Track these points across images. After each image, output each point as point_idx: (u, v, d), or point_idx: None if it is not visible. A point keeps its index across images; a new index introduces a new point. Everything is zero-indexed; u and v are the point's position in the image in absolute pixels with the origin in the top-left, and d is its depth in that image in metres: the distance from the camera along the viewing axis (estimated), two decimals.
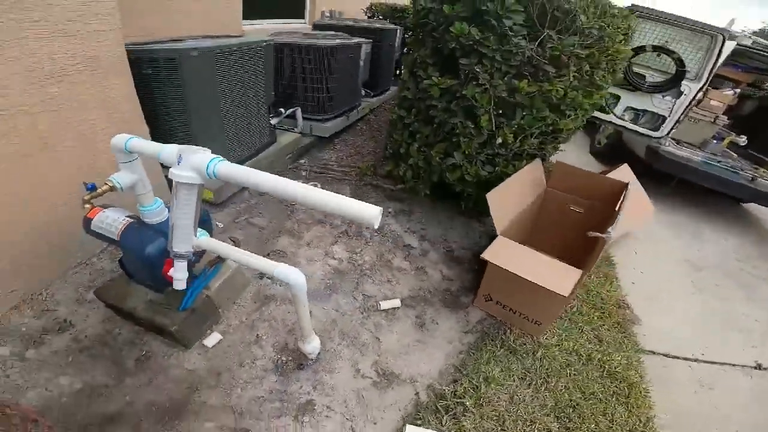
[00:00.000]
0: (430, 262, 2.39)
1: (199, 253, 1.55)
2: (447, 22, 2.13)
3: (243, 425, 1.41)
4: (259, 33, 3.78)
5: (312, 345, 1.59)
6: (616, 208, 2.08)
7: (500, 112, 2.25)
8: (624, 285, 2.53)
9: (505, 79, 2.10)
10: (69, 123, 1.83)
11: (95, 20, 1.82)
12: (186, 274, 1.35)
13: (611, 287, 2.43)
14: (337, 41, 3.37)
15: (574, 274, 1.75)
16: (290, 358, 1.66)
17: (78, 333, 1.64)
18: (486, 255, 1.84)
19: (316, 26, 4.75)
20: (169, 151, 1.18)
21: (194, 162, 1.09)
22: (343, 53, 3.42)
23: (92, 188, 1.36)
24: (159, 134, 2.46)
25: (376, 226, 0.96)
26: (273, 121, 3.22)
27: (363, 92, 4.38)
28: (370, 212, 0.93)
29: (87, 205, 1.35)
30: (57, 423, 1.30)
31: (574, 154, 4.26)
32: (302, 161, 3.38)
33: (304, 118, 3.52)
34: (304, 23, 5.28)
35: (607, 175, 2.54)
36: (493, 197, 2.03)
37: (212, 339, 1.70)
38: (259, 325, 1.80)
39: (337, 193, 0.99)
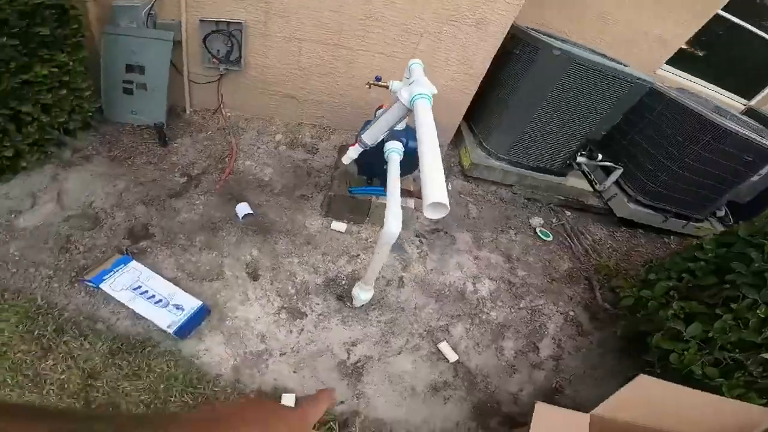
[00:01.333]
0: None
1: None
2: None
3: None
4: (662, 80, 3.21)
5: (366, 295, 1.63)
6: None
7: None
8: None
9: None
10: (435, 51, 2.39)
11: None
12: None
13: None
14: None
15: None
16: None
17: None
18: None
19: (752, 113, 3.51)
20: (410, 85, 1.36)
21: (408, 93, 1.23)
22: (740, 148, 2.42)
23: (378, 79, 1.74)
24: None
25: None
26: (579, 158, 2.87)
27: (719, 211, 3.11)
28: None
29: (366, 85, 1.78)
30: None
31: None
32: (567, 214, 2.90)
33: (615, 183, 2.94)
34: (745, 103, 3.98)
35: None
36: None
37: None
38: None
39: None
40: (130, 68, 2.31)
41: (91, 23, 2.19)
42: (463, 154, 2.95)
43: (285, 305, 1.72)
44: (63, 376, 1.32)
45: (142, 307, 1.50)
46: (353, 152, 1.71)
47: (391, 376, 1.61)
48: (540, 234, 2.57)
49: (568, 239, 2.62)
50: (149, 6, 2.21)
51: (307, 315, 1.70)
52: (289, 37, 2.36)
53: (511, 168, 2.81)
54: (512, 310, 2.01)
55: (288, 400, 1.44)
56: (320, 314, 1.71)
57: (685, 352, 1.41)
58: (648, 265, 2.04)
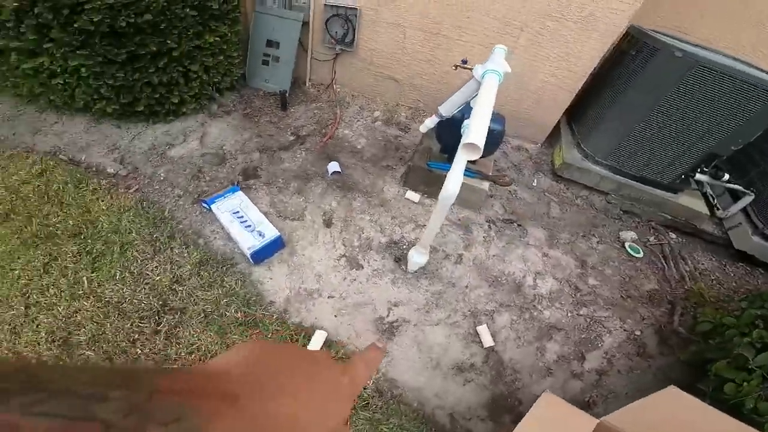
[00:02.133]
0: None
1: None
2: None
3: None
4: None
5: (420, 258, 1.76)
6: None
7: None
8: None
9: None
10: (536, 46, 2.37)
11: None
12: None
13: None
14: None
15: None
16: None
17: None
18: None
19: None
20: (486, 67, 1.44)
21: (482, 68, 1.34)
22: None
23: (464, 62, 1.84)
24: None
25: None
26: (700, 176, 2.51)
27: None
28: None
29: (453, 67, 1.89)
30: None
31: None
32: (672, 236, 2.56)
33: (742, 210, 2.50)
34: None
35: None
36: None
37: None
38: None
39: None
40: (269, 43, 2.81)
41: (246, 2, 2.71)
42: (557, 152, 2.83)
43: (346, 254, 1.94)
44: (157, 278, 1.71)
45: (235, 229, 1.87)
46: (430, 122, 1.86)
47: (422, 344, 1.68)
48: (629, 249, 2.35)
49: (663, 260, 2.34)
50: None
51: (363, 267, 1.90)
52: (395, 24, 2.58)
53: (610, 174, 2.59)
54: (569, 315, 1.92)
55: (319, 336, 1.60)
56: (375, 270, 1.90)
57: (746, 383, 1.23)
58: (745, 296, 1.74)
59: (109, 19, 1.87)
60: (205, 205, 1.99)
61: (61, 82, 2.15)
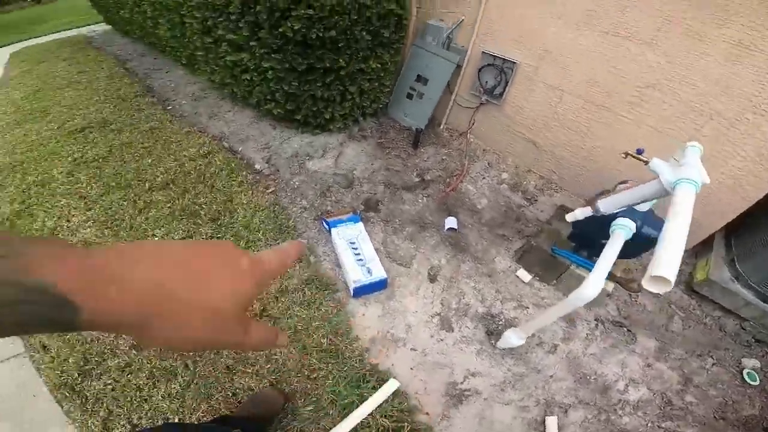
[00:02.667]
0: None
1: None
2: None
3: None
4: None
5: (516, 341, 1.64)
6: None
7: None
8: None
9: None
10: (722, 139, 2.02)
11: None
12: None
13: None
14: None
15: None
16: None
17: None
18: None
19: None
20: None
21: (673, 174, 1.15)
22: None
23: (640, 152, 1.65)
24: None
25: None
26: (568, 217, 1.98)
27: None
28: None
29: (622, 154, 1.69)
30: None
31: None
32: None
33: None
34: None
35: None
36: None
37: None
38: None
39: None
40: (418, 78, 2.89)
41: (408, 35, 2.83)
42: (701, 265, 2.38)
43: (441, 314, 1.88)
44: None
45: (347, 258, 1.93)
46: (581, 213, 1.69)
47: (485, 419, 1.58)
48: (746, 376, 1.91)
49: None
50: (450, 30, 2.67)
51: (453, 331, 1.82)
52: (553, 86, 2.43)
53: (759, 302, 2.11)
54: (649, 425, 1.63)
55: (391, 384, 1.59)
56: (464, 336, 1.81)
57: None
58: None
59: (305, 29, 2.02)
60: (325, 224, 2.10)
61: (248, 78, 2.42)
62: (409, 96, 2.95)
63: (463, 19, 2.64)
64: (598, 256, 1.49)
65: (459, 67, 2.73)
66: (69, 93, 3.48)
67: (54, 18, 8.21)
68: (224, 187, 2.26)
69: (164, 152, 2.56)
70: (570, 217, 1.76)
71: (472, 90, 2.79)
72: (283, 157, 2.50)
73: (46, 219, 2.16)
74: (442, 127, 3.02)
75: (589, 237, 1.87)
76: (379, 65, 2.50)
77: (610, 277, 1.96)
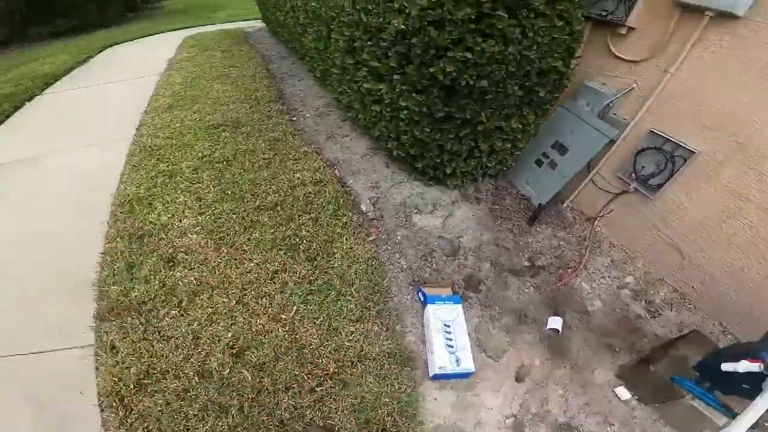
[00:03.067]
0: None
1: None
2: None
3: None
4: None
5: None
6: None
7: None
8: None
9: None
10: None
11: None
12: None
13: None
14: None
15: None
16: None
17: None
18: None
19: None
20: None
21: None
22: None
23: None
24: None
25: None
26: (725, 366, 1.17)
27: None
28: None
29: None
30: None
31: None
32: None
33: None
34: None
35: None
36: None
37: None
38: None
39: None
40: (554, 144, 2.53)
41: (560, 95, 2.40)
42: None
43: (517, 416, 1.66)
44: (348, 344, 1.74)
45: (437, 341, 1.75)
46: (742, 366, 1.26)
47: None
48: None
49: None
50: (614, 98, 2.26)
51: None
52: (736, 192, 1.91)
53: None
54: None
55: None
56: None
57: None
58: None
59: (457, 73, 1.76)
60: (421, 295, 1.94)
61: (378, 110, 2.25)
62: (539, 162, 2.61)
63: (633, 88, 2.22)
64: (724, 393, 1.29)
65: (612, 142, 2.31)
66: (217, 86, 3.83)
67: (231, 7, 9.25)
68: (328, 225, 2.22)
69: (280, 168, 2.62)
70: (728, 367, 1.33)
71: (620, 173, 2.35)
72: (390, 203, 2.39)
73: (161, 213, 2.32)
74: (565, 205, 2.64)
75: (732, 381, 1.42)
76: (520, 125, 2.20)
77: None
